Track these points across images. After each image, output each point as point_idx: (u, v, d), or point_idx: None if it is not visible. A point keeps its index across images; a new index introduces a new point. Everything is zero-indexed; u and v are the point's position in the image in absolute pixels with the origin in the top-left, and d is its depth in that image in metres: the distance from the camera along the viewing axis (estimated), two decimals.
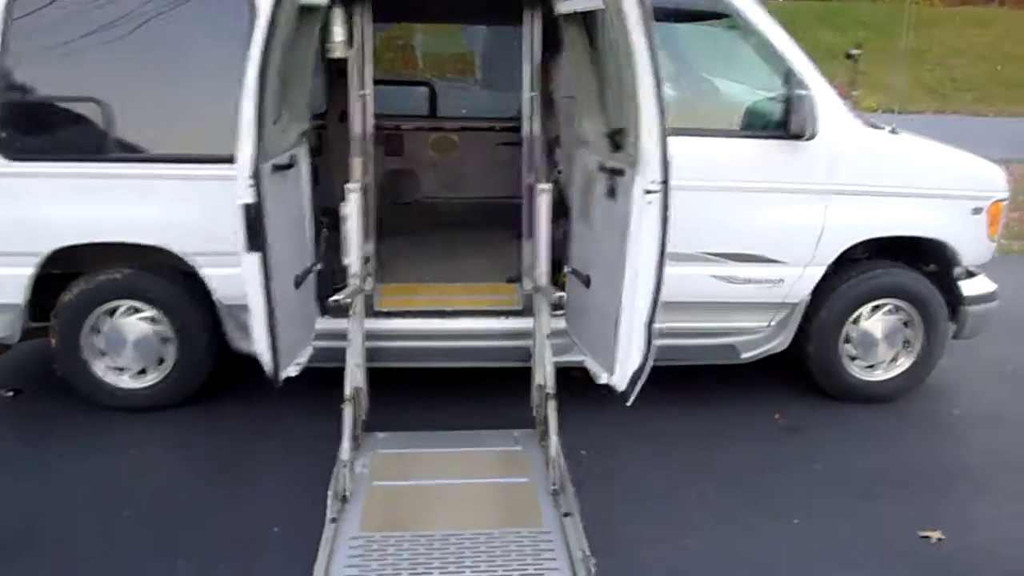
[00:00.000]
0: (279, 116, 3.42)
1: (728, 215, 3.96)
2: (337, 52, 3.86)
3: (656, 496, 3.47)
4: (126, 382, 4.03)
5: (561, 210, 4.29)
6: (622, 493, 3.47)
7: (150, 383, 4.03)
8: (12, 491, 3.41)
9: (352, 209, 3.58)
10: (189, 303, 3.95)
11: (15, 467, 3.61)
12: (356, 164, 3.94)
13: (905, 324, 4.29)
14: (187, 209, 3.76)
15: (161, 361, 4.02)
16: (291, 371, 3.39)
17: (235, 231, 2.99)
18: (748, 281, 4.04)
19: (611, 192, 3.26)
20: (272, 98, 3.16)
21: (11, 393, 4.27)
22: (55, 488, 3.44)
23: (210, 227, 3.66)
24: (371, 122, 4.10)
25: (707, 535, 3.20)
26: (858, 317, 4.24)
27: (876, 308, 4.24)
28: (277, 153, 3.31)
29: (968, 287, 4.33)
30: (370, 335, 3.89)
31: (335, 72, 5.02)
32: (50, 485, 3.46)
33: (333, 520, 3.10)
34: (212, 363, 4.09)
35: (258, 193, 2.96)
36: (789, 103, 3.79)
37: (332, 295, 3.47)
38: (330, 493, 3.21)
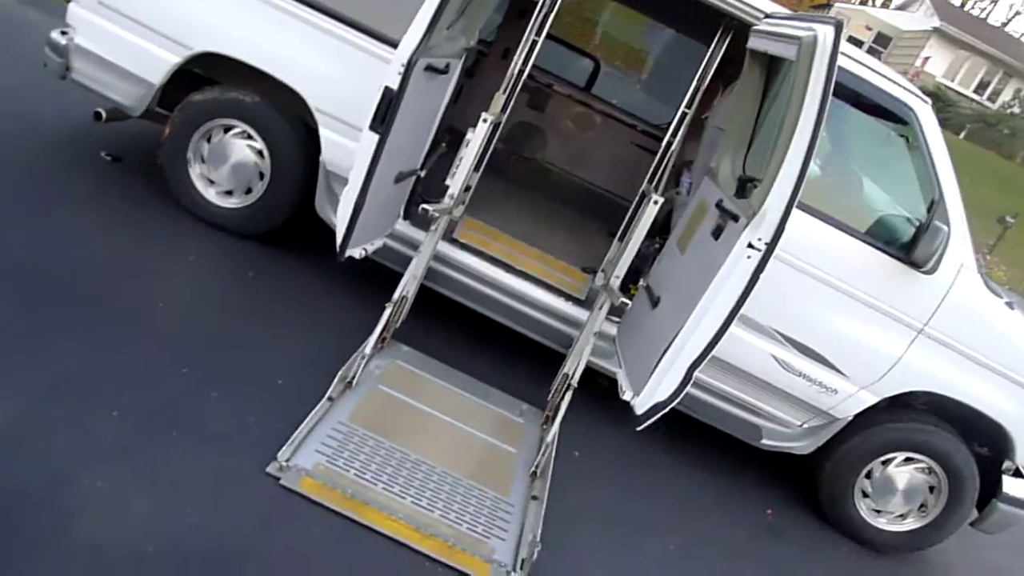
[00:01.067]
0: (453, 23, 3.50)
1: (815, 306, 3.89)
2: None
3: (622, 524, 3.48)
4: (211, 195, 4.20)
5: (662, 229, 4.29)
6: (591, 506, 3.49)
7: (231, 205, 4.21)
8: (69, 246, 3.63)
9: (477, 137, 3.65)
10: (296, 152, 4.09)
11: (81, 227, 3.83)
12: (498, 100, 4.00)
13: (931, 488, 4.17)
14: (338, 71, 3.87)
15: (249, 191, 4.19)
16: (356, 252, 3.49)
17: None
18: (803, 376, 3.97)
19: (717, 232, 3.25)
20: (455, 2, 3.23)
21: (111, 158, 4.50)
22: (110, 256, 3.64)
23: (349, 97, 3.78)
24: (529, 68, 4.15)
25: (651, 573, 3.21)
26: (889, 460, 4.14)
27: (909, 459, 4.13)
28: (436, 56, 3.39)
29: (1011, 485, 4.18)
30: (438, 257, 3.98)
31: (516, 11, 5.09)
32: (108, 253, 3.67)
33: (330, 399, 3.22)
34: (289, 214, 4.23)
35: (403, 82, 3.05)
36: (923, 230, 3.69)
37: (422, 204, 3.55)
38: (339, 374, 3.33)
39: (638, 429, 3.17)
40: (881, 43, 27.33)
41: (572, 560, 3.09)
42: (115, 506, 2.42)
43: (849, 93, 3.68)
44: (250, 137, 4.11)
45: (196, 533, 2.46)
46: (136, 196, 4.24)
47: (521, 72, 4.08)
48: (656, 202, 3.66)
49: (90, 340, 3.03)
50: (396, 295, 3.60)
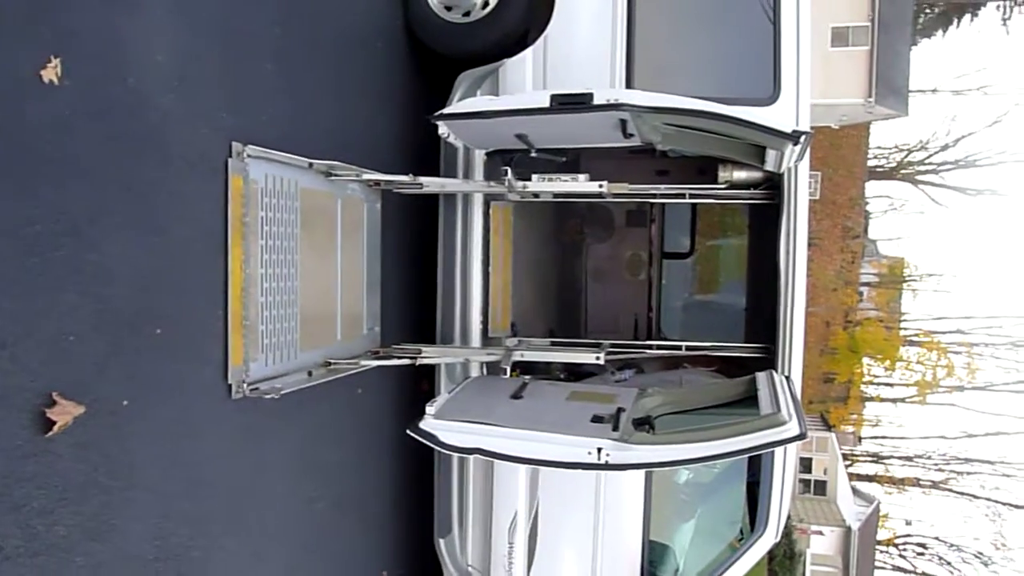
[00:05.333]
0: None
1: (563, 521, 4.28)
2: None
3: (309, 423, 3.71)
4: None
5: (579, 374, 4.67)
6: (310, 415, 3.79)
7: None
8: None
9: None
10: None
11: None
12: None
13: None
14: None
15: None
16: None
17: None
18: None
19: (597, 419, 3.58)
20: None
21: None
22: None
23: None
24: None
25: None
26: None
27: None
28: None
29: None
30: None
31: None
32: None
33: None
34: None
35: None
36: None
37: None
38: None
39: (407, 431, 3.49)
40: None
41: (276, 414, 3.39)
42: None
43: None
44: None
45: None
46: None
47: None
48: (599, 358, 4.01)
49: None
50: None
